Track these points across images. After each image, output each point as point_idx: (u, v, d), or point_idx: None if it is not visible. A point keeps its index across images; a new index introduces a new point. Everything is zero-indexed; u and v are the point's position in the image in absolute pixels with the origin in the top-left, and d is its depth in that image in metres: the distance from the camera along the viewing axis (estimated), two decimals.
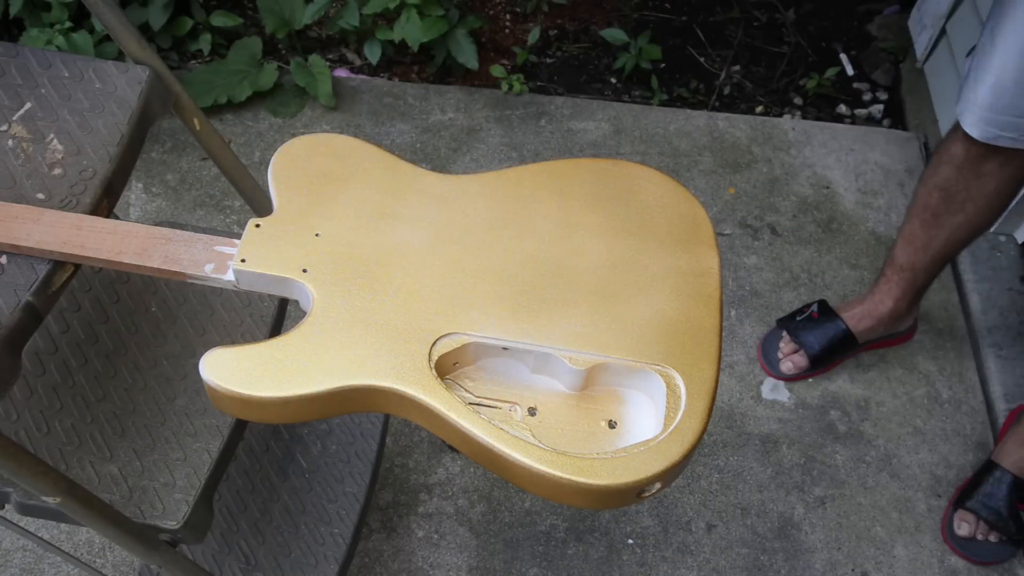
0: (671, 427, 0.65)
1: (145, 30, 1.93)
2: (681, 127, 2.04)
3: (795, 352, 1.64)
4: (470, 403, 0.67)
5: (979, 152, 1.31)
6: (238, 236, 0.72)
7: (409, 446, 1.54)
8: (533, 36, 2.15)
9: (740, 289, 1.79)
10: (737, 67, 2.23)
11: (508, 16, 2.27)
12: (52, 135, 0.81)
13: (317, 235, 0.72)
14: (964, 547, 1.47)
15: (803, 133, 2.06)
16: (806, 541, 1.50)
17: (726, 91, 2.18)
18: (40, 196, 0.78)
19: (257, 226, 0.72)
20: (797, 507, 1.53)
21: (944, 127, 1.96)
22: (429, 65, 2.09)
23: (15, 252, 0.72)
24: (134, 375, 0.95)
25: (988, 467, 1.49)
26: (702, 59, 2.23)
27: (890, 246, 1.57)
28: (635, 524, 1.49)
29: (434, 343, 0.67)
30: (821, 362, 1.63)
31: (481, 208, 0.75)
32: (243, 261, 0.70)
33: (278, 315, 1.02)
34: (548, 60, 2.20)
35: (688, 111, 2.08)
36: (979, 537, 1.46)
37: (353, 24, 1.97)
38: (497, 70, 2.06)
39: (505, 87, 2.05)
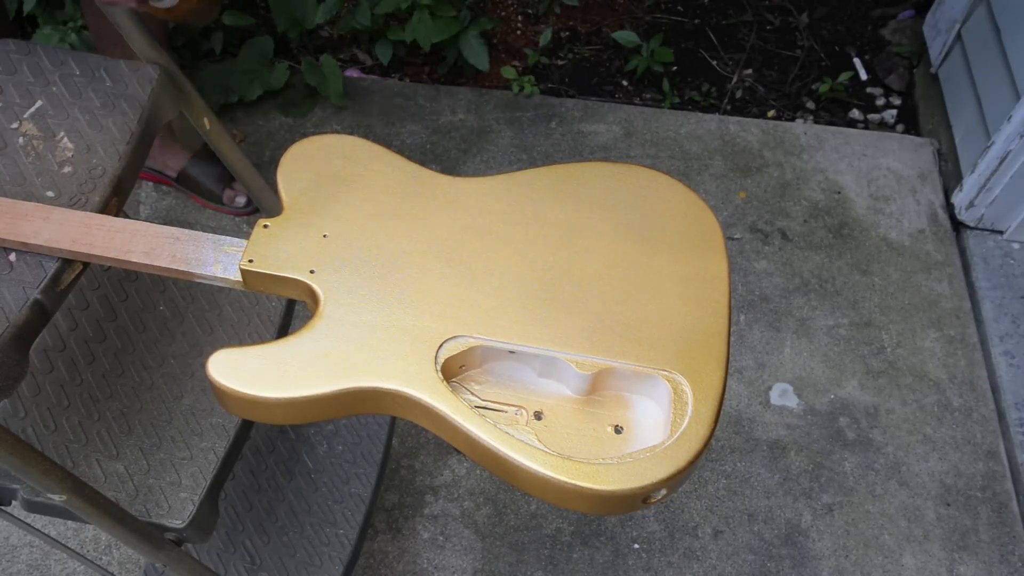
0: (677, 433, 0.65)
1: None
2: (692, 130, 2.03)
3: None
4: (476, 406, 0.67)
5: None
6: (246, 236, 0.72)
7: (415, 447, 1.53)
8: (544, 38, 2.15)
9: (750, 294, 1.78)
10: (749, 71, 2.22)
11: (520, 18, 2.27)
12: (62, 133, 0.82)
13: (325, 236, 0.72)
14: None
15: (815, 138, 2.05)
16: (813, 548, 1.49)
17: (738, 95, 2.17)
18: (50, 194, 0.78)
19: (265, 227, 0.72)
20: (805, 514, 1.52)
21: (958, 133, 1.95)
22: (440, 66, 2.09)
23: (24, 250, 0.72)
24: (141, 373, 0.95)
25: None
26: (714, 62, 2.22)
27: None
28: (641, 529, 1.48)
29: (440, 346, 0.67)
30: None
31: (490, 211, 0.75)
32: (250, 261, 0.70)
33: (286, 315, 1.02)
34: (559, 62, 2.19)
35: (699, 114, 2.07)
36: None
37: (365, 24, 1.97)
38: (508, 71, 2.06)
39: (516, 88, 2.05)
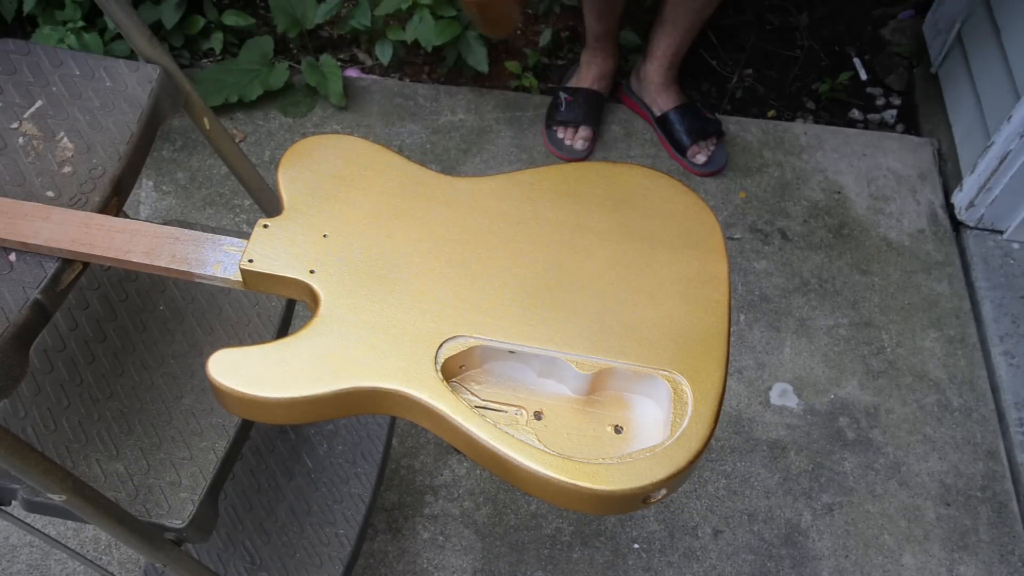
0: (677, 433, 0.65)
1: (157, 29, 1.93)
2: None
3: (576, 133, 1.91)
4: (476, 406, 0.67)
5: None
6: (247, 236, 0.72)
7: (415, 447, 1.53)
8: (544, 38, 2.14)
9: (749, 294, 1.78)
10: (749, 71, 2.22)
11: (520, 18, 2.26)
12: (62, 133, 0.82)
13: (325, 236, 0.72)
14: None
15: (815, 138, 2.05)
16: (813, 548, 1.49)
17: (738, 95, 2.17)
18: (50, 194, 0.78)
19: (265, 226, 0.72)
20: (804, 514, 1.52)
21: (957, 133, 1.95)
22: (440, 66, 2.09)
23: (24, 250, 0.72)
24: (141, 373, 0.95)
25: None
26: (714, 62, 2.22)
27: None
28: (641, 529, 1.48)
29: (440, 346, 0.67)
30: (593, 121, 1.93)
31: (490, 211, 0.75)
32: (250, 261, 0.70)
33: (286, 315, 1.02)
34: (560, 62, 2.19)
35: None
36: None
37: (365, 24, 1.97)
38: (513, 66, 2.07)
39: (525, 81, 2.05)
